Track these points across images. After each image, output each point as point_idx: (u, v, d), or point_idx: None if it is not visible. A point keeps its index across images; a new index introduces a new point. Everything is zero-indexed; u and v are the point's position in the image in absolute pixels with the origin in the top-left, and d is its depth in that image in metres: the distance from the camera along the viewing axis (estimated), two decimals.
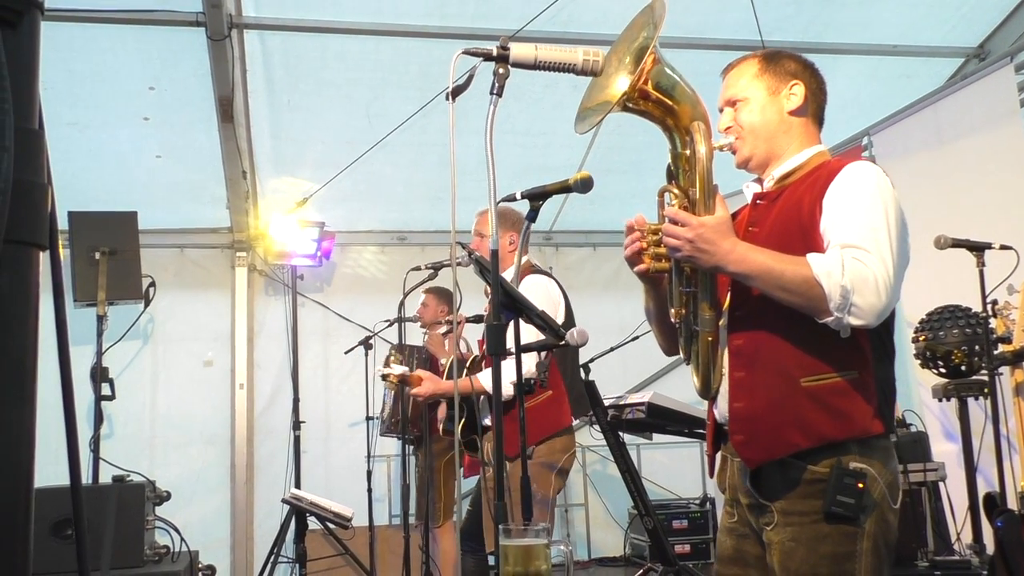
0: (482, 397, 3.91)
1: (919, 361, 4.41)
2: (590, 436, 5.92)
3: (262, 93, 5.97)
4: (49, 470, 6.39)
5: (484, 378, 3.76)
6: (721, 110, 2.36)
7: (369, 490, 5.83)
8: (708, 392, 2.27)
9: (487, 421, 3.92)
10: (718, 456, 2.37)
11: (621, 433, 5.29)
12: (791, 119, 2.27)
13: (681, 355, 2.34)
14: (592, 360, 5.40)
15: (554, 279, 4.08)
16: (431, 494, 5.36)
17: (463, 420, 3.91)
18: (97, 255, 5.61)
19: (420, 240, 7.51)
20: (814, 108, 2.31)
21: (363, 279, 7.56)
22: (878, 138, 5.75)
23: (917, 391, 5.26)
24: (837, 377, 2.07)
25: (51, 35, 5.21)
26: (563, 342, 2.65)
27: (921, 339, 4.36)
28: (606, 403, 5.32)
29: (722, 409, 2.25)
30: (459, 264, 3.22)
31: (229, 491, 7.03)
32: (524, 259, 4.13)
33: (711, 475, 2.40)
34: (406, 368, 4.16)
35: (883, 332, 2.14)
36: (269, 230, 6.91)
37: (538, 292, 3.92)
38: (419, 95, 5.80)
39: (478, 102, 7.03)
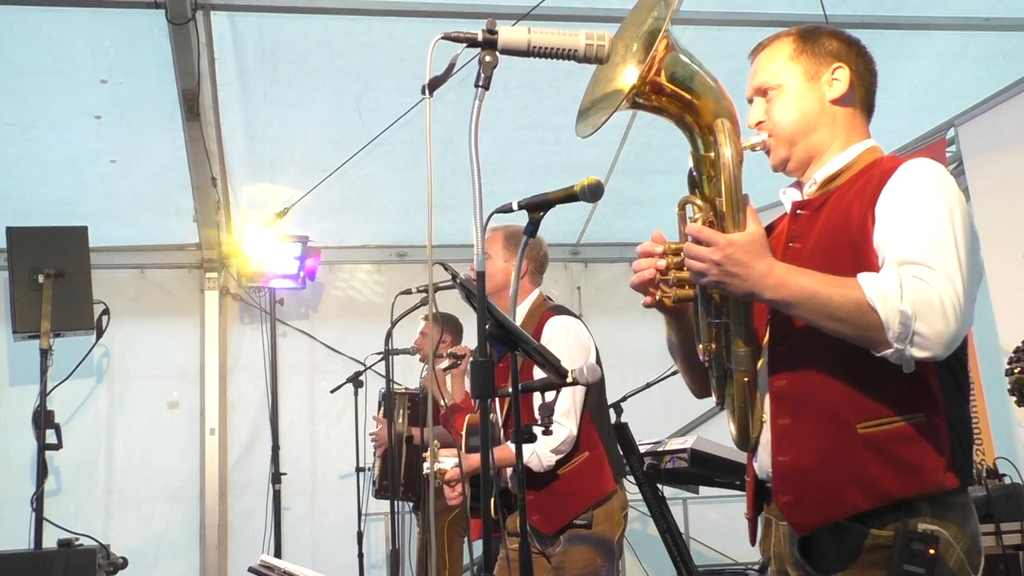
0: (508, 470, 3.90)
1: (1014, 397, 4.35)
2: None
3: (234, 85, 6.01)
4: None
5: (507, 451, 3.73)
6: (750, 100, 2.32)
7: (360, 555, 5.82)
8: (746, 443, 2.24)
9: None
10: (760, 519, 2.33)
11: (660, 485, 5.29)
12: (835, 109, 2.23)
13: (713, 398, 2.31)
14: (625, 398, 5.39)
15: (580, 318, 4.06)
16: (433, 561, 5.33)
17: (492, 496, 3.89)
18: (40, 278, 5.66)
19: (422, 256, 7.52)
20: (862, 95, 2.27)
21: (355, 303, 7.58)
22: (965, 129, 5.69)
23: (1016, 433, 5.19)
24: (900, 421, 2.03)
25: None
26: (570, 381, 2.63)
27: (1017, 371, 4.29)
28: (642, 450, 5.31)
29: (763, 463, 2.21)
30: (441, 288, 3.21)
31: (198, 556, 7.03)
32: (536, 292, 4.11)
33: (752, 542, 2.36)
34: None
35: (955, 365, 2.08)
36: (243, 246, 6.95)
37: (568, 337, 3.89)
38: (418, 85, 5.77)
39: (487, 94, 6.92)
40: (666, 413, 7.00)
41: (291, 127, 6.40)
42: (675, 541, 5.20)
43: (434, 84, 2.10)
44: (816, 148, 2.24)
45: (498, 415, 3.97)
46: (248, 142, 6.48)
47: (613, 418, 5.07)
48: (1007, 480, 4.69)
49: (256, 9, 5.53)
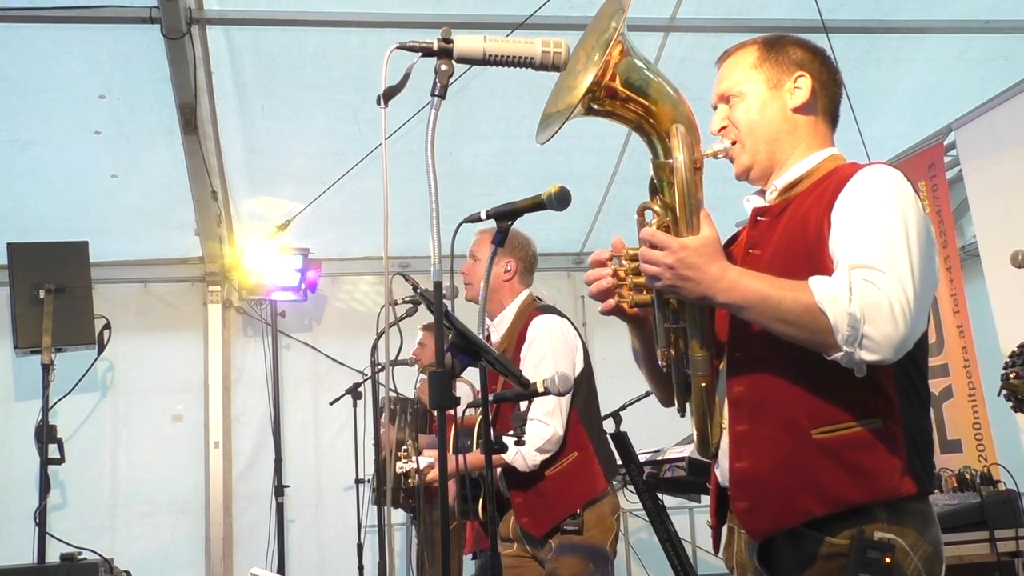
0: (498, 471, 3.87)
1: (1010, 403, 4.30)
2: (626, 500, 5.82)
3: (231, 99, 6.03)
4: None
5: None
6: (715, 107, 2.33)
7: (360, 567, 5.80)
8: (706, 449, 2.24)
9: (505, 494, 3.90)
10: (725, 528, 2.31)
11: (660, 495, 5.25)
12: (795, 118, 2.24)
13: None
14: (625, 407, 5.35)
15: (567, 318, 4.02)
16: (432, 572, 5.32)
17: (481, 499, 3.88)
18: (41, 293, 5.69)
19: (425, 267, 7.48)
20: (824, 103, 2.28)
21: (358, 315, 7.57)
22: (962, 133, 5.63)
23: (1019, 439, 5.13)
24: (856, 427, 2.02)
25: None
26: (541, 390, 2.61)
27: (1012, 376, 4.24)
28: (641, 459, 5.28)
29: (724, 470, 2.21)
30: (409, 303, 3.20)
31: (203, 569, 7.03)
32: (524, 293, 4.08)
33: (715, 550, 2.35)
34: (430, 460, 4.10)
35: (912, 370, 2.07)
36: (243, 259, 6.97)
37: (553, 336, 3.87)
38: (416, 96, 5.76)
39: (484, 103, 6.96)
40: (670, 422, 6.91)
41: (290, 140, 6.41)
42: (675, 550, 5.16)
43: (389, 94, 2.08)
44: (777, 156, 2.25)
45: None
46: (247, 155, 6.50)
47: (613, 427, 5.03)
48: (1001, 487, 4.64)
49: (251, 22, 5.54)
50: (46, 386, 5.71)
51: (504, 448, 2.90)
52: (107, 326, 6.06)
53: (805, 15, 5.42)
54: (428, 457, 3.98)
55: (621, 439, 5.09)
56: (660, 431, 6.46)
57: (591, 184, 7.10)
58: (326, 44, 5.74)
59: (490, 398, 2.57)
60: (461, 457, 3.53)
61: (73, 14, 5.22)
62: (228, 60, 5.76)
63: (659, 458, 5.24)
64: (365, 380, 6.22)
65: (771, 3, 5.75)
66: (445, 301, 3.46)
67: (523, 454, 3.69)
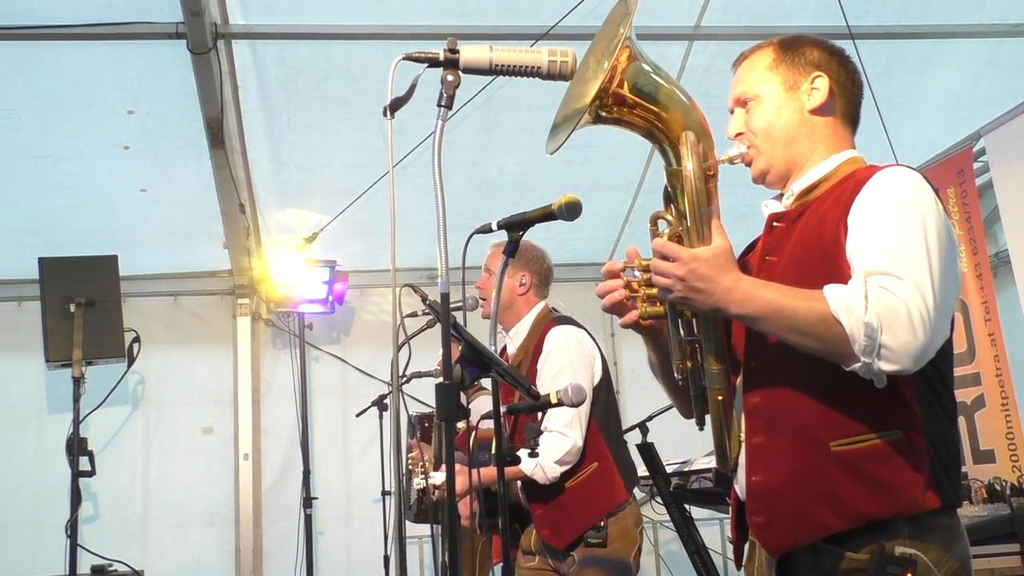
0: (518, 483, 3.86)
1: None
2: (654, 511, 5.77)
3: (257, 112, 6.07)
4: (24, 558, 6.45)
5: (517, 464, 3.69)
6: (732, 111, 2.28)
7: None
8: (725, 463, 2.21)
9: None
10: (746, 544, 2.28)
11: (688, 506, 5.19)
12: (813, 120, 2.19)
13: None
14: (651, 418, 5.31)
15: (584, 328, 3.99)
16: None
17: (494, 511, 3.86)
18: (72, 307, 5.72)
19: (455, 277, 7.47)
20: (843, 105, 2.22)
21: (387, 327, 7.55)
22: (991, 138, 5.55)
23: None
24: (875, 439, 1.96)
25: (13, 55, 5.38)
26: (555, 402, 2.60)
27: None
28: (668, 470, 5.23)
29: (743, 483, 2.17)
30: (428, 315, 3.19)
31: None
32: (540, 305, 4.07)
33: (737, 566, 2.31)
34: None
35: (935, 379, 2.01)
36: (271, 271, 6.99)
37: (570, 346, 3.85)
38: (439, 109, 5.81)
39: (510, 113, 6.94)
40: (698, 433, 6.83)
41: (316, 152, 6.44)
42: (703, 562, 5.10)
43: (395, 105, 2.07)
44: (795, 159, 2.20)
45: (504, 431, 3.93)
46: (275, 168, 6.53)
47: (639, 438, 4.99)
48: None
49: (276, 37, 5.59)
50: (77, 399, 5.74)
51: (517, 460, 2.88)
52: (137, 339, 6.09)
53: (831, 21, 5.36)
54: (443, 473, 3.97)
55: (648, 450, 5.04)
56: (688, 442, 6.39)
57: (618, 193, 7.08)
58: (351, 57, 5.77)
59: (503, 409, 2.56)
60: (477, 471, 3.51)
61: (100, 31, 5.28)
62: (254, 74, 5.81)
63: (686, 469, 5.19)
64: (389, 392, 6.22)
65: (796, 10, 5.71)
66: (463, 313, 3.48)
67: (542, 466, 3.66)
